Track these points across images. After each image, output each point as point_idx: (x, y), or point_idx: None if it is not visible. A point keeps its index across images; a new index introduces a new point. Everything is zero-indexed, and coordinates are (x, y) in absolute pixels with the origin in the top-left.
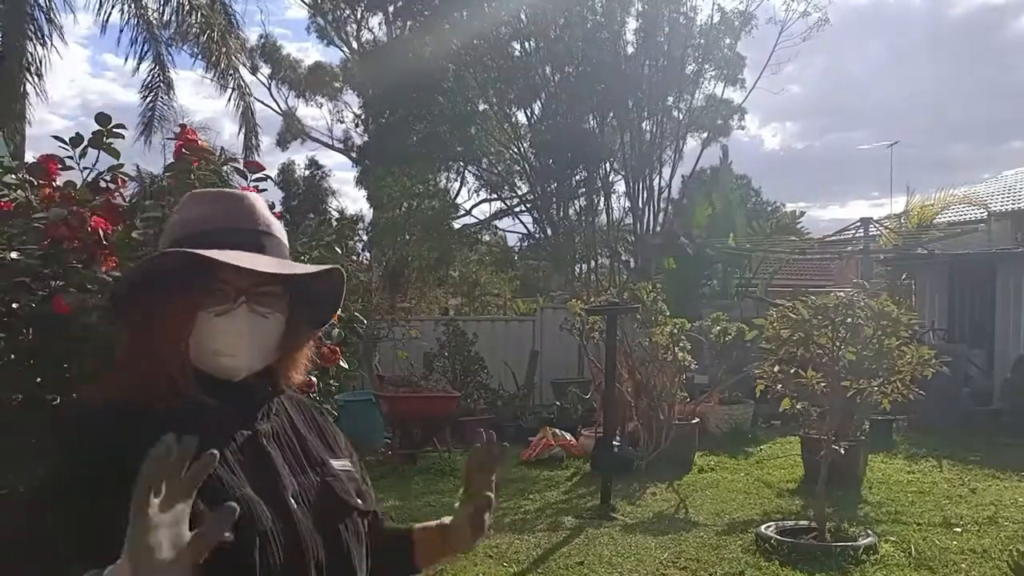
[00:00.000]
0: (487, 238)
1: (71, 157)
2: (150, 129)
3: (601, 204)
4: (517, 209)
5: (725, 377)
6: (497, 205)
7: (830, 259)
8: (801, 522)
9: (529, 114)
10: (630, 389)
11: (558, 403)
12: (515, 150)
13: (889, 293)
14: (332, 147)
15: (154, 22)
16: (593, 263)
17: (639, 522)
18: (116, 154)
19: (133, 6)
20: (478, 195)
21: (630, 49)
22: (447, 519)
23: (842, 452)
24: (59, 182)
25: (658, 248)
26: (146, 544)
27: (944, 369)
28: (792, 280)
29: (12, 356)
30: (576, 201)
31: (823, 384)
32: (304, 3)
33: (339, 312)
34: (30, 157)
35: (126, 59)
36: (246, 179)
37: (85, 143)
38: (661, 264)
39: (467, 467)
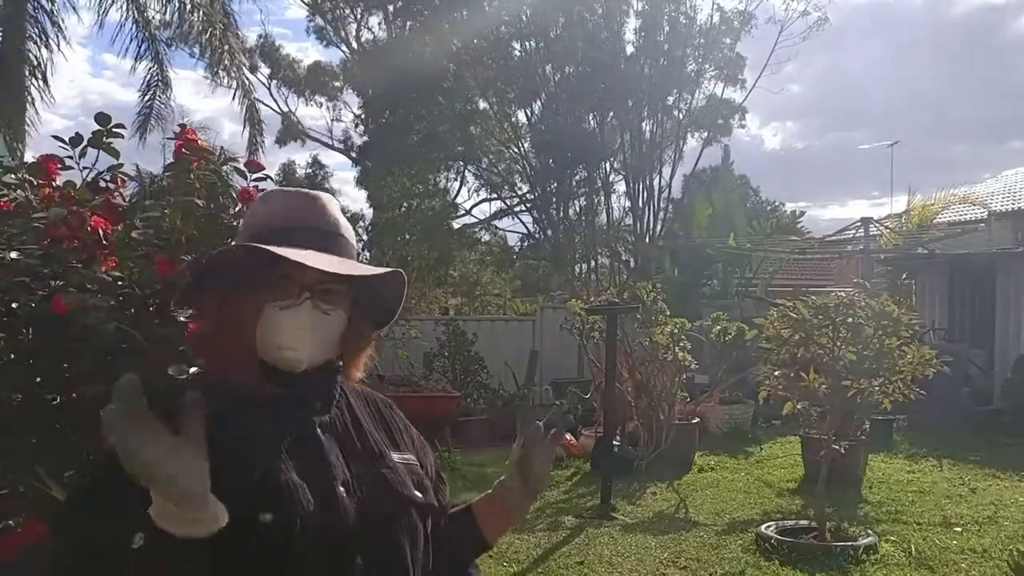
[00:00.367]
0: (487, 238)
1: (71, 157)
2: (146, 128)
3: (601, 204)
4: (517, 209)
5: (725, 377)
6: (497, 205)
7: (830, 259)
8: (801, 522)
9: (529, 114)
10: (630, 389)
11: (558, 403)
12: (515, 150)
13: (889, 293)
14: (332, 147)
15: (152, 20)
16: (593, 263)
17: (639, 522)
18: (116, 154)
19: (131, 4)
20: (478, 195)
21: (630, 49)
22: (498, 488)
23: (842, 452)
24: (59, 182)
25: (659, 249)
26: (163, 472)
27: (944, 369)
28: (792, 280)
29: (12, 356)
30: (576, 201)
31: (824, 384)
32: (303, 3)
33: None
34: (30, 157)
35: (123, 54)
36: (246, 179)
37: (85, 143)
38: (661, 264)
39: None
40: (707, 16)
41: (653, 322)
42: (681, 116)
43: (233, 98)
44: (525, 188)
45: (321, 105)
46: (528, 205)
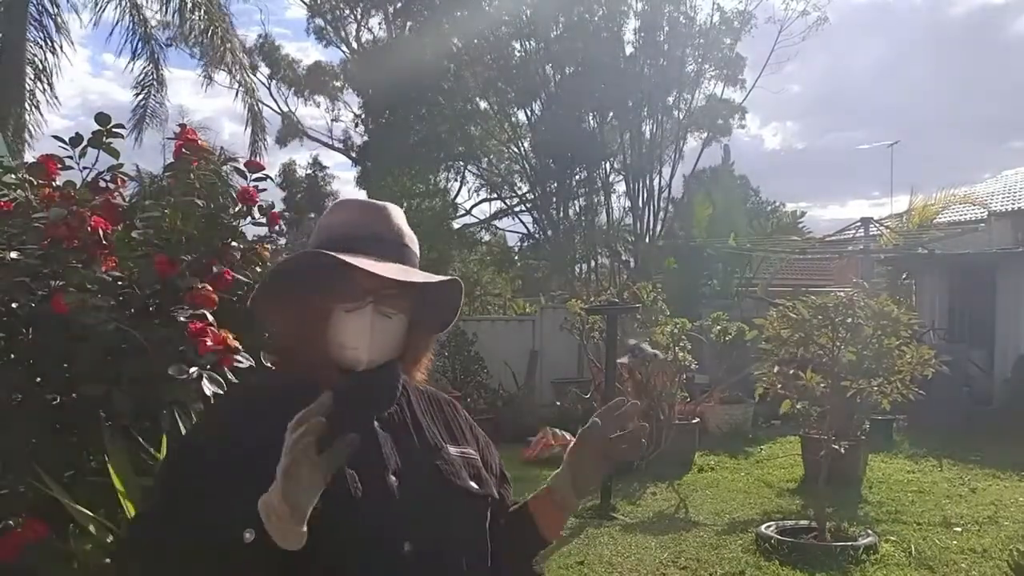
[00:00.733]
0: (487, 238)
1: (71, 157)
2: (141, 127)
3: (601, 204)
4: (517, 209)
5: (725, 377)
6: (497, 205)
7: (830, 259)
8: (801, 522)
9: (529, 114)
10: (630, 389)
11: (558, 403)
12: (515, 150)
13: (889, 293)
14: (332, 147)
15: (149, 19)
16: (593, 263)
17: (639, 522)
18: (116, 154)
19: (127, 4)
20: (478, 195)
21: (630, 49)
22: (550, 483)
23: (842, 452)
24: (59, 182)
25: (659, 249)
26: (293, 475)
27: (944, 369)
28: (792, 280)
29: (12, 356)
30: (576, 201)
31: (823, 384)
32: (303, 3)
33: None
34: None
35: (120, 54)
36: (246, 178)
37: (85, 143)
38: (661, 264)
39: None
40: (707, 16)
41: (653, 322)
42: (681, 116)
43: (236, 96)
44: (525, 188)
45: (319, 105)
46: (528, 205)
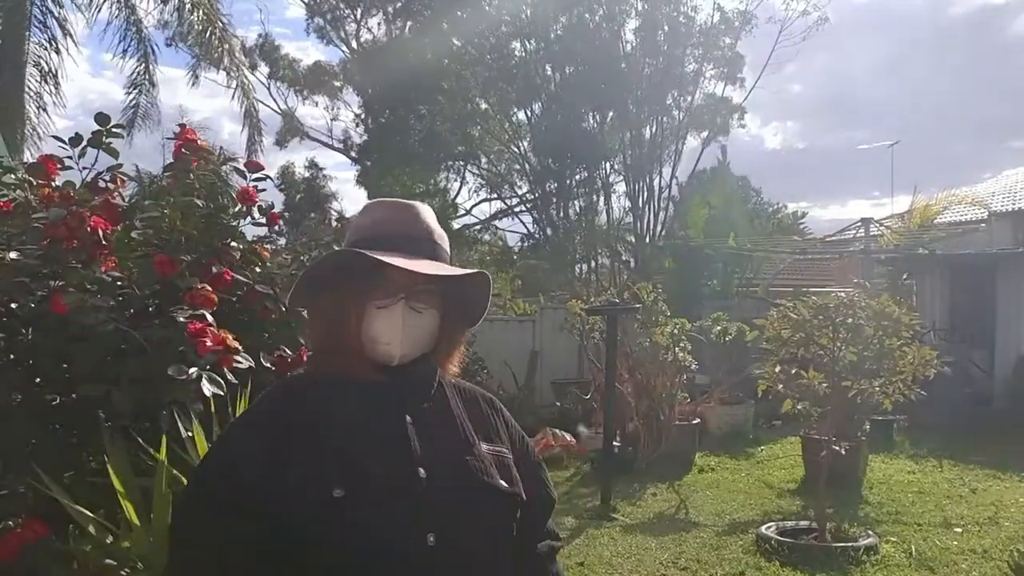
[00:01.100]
0: (487, 238)
1: (70, 157)
2: (132, 126)
3: (601, 204)
4: (517, 209)
5: (725, 377)
6: (497, 205)
7: (831, 259)
8: (801, 522)
9: (529, 114)
10: (630, 389)
11: (558, 403)
12: (515, 150)
13: (890, 293)
14: (332, 147)
15: (142, 19)
16: (593, 263)
17: (639, 522)
18: (115, 154)
19: (122, 2)
20: (478, 195)
21: (630, 49)
22: None
23: (843, 452)
24: (58, 182)
25: (659, 249)
26: None
27: (945, 369)
28: (793, 280)
29: (12, 356)
30: (576, 201)
31: (824, 384)
32: (303, 2)
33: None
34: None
35: (114, 53)
36: (245, 178)
37: (84, 143)
38: (661, 264)
39: None
40: (707, 16)
41: (653, 323)
42: (681, 116)
43: (233, 97)
44: (525, 188)
45: (317, 104)
46: (528, 205)
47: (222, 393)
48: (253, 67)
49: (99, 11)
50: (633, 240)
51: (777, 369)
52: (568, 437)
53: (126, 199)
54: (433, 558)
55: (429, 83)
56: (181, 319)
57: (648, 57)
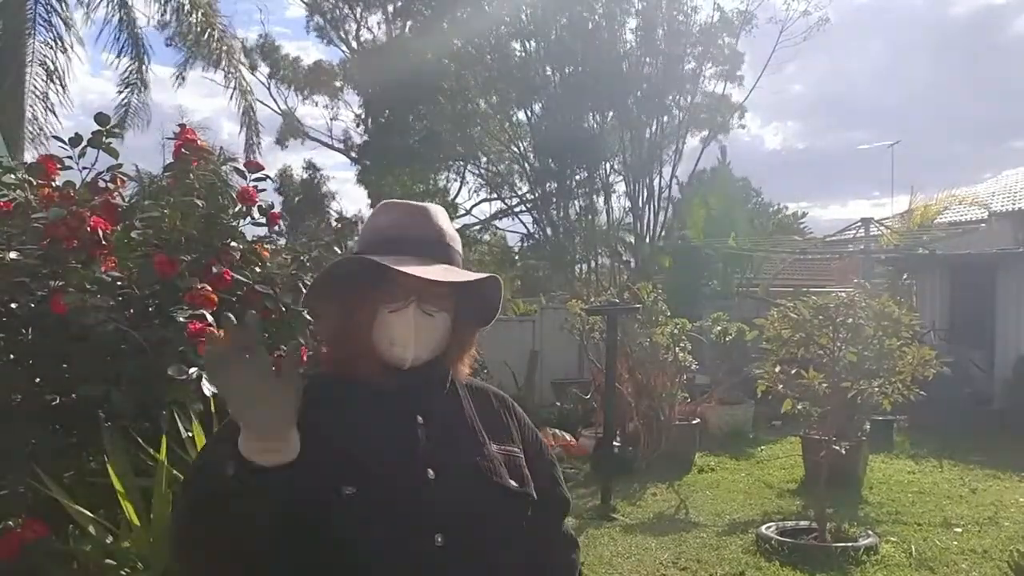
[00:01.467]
0: (487, 238)
1: (70, 157)
2: (123, 125)
3: (601, 204)
4: (517, 209)
5: (726, 377)
6: (497, 205)
7: (831, 259)
8: (801, 522)
9: (529, 114)
10: (630, 389)
11: (558, 403)
12: (515, 150)
13: (890, 293)
14: (331, 147)
15: (136, 19)
16: (593, 263)
17: (639, 522)
18: (115, 154)
19: (117, 2)
20: (478, 195)
21: (630, 48)
22: None
23: (843, 452)
24: (58, 182)
25: (659, 249)
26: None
27: (945, 369)
28: (793, 280)
29: (12, 356)
30: (576, 201)
31: (824, 384)
32: (303, 2)
33: None
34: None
35: (109, 52)
36: (245, 179)
37: (84, 143)
38: (661, 264)
39: None
40: (707, 16)
41: (653, 322)
42: (681, 115)
43: (231, 98)
44: (525, 188)
45: (317, 104)
46: (528, 205)
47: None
48: (253, 67)
49: (95, 10)
50: (633, 240)
51: (777, 369)
52: (568, 437)
53: (126, 199)
54: (441, 558)
55: (429, 83)
56: (181, 319)
57: (648, 56)
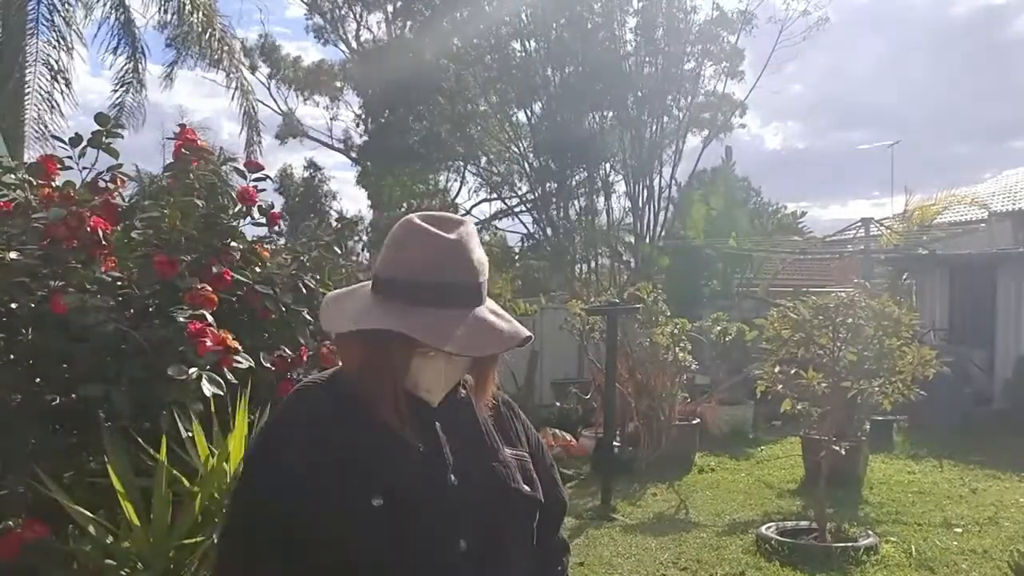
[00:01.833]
0: (487, 238)
1: (70, 157)
2: (117, 124)
3: (601, 204)
4: (517, 209)
5: (726, 377)
6: (497, 205)
7: (831, 259)
8: (801, 523)
9: (529, 114)
10: (630, 389)
11: (558, 403)
12: (515, 150)
13: (890, 293)
14: (331, 147)
15: (134, 19)
16: (593, 263)
17: (639, 523)
18: (115, 154)
19: (115, 2)
20: (478, 195)
21: (629, 48)
22: None
23: (843, 452)
24: (58, 182)
25: (659, 249)
26: None
27: (945, 369)
28: (793, 280)
29: (12, 356)
30: (576, 201)
31: (824, 384)
32: (303, 1)
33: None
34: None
35: (107, 51)
36: (245, 179)
37: (84, 143)
38: (661, 264)
39: None
40: (706, 16)
41: (653, 323)
42: (681, 115)
43: (232, 98)
44: (525, 188)
45: (318, 104)
46: (528, 205)
47: (222, 393)
48: (253, 68)
49: (93, 10)
50: (633, 240)
51: (776, 369)
52: (568, 437)
53: (126, 199)
54: (465, 563)
55: (429, 83)
56: (181, 319)
57: (648, 56)
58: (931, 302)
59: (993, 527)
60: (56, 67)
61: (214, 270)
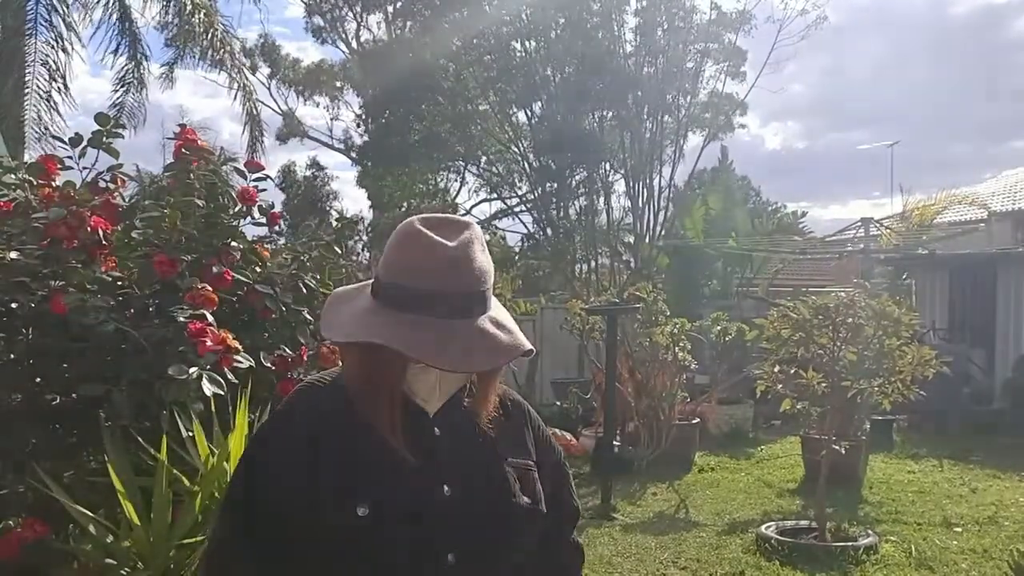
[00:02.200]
0: (487, 238)
1: (71, 157)
2: (117, 123)
3: (601, 204)
4: (517, 209)
5: (726, 377)
6: (497, 205)
7: (831, 259)
8: (801, 522)
9: (529, 114)
10: (630, 389)
11: (558, 403)
12: (515, 150)
13: (890, 293)
14: (332, 147)
15: (135, 18)
16: (593, 263)
17: (639, 522)
18: (115, 154)
19: (115, 3)
20: (478, 195)
21: (629, 48)
22: None
23: (842, 452)
24: (58, 182)
25: (659, 249)
26: None
27: (945, 369)
28: (793, 280)
29: (12, 356)
30: (576, 201)
31: (823, 384)
32: (302, 1)
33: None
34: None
35: (107, 51)
36: (245, 179)
37: (85, 143)
38: (661, 264)
39: None
40: (704, 16)
41: (653, 322)
42: (681, 114)
43: (235, 99)
44: (525, 188)
45: (319, 105)
46: (528, 205)
47: (222, 393)
48: (253, 68)
49: (93, 10)
50: (633, 240)
51: (776, 369)
52: (569, 437)
53: (126, 199)
54: None
55: (429, 83)
56: (181, 319)
57: (648, 54)
58: (931, 302)
59: (993, 527)
60: (54, 67)
61: (214, 270)
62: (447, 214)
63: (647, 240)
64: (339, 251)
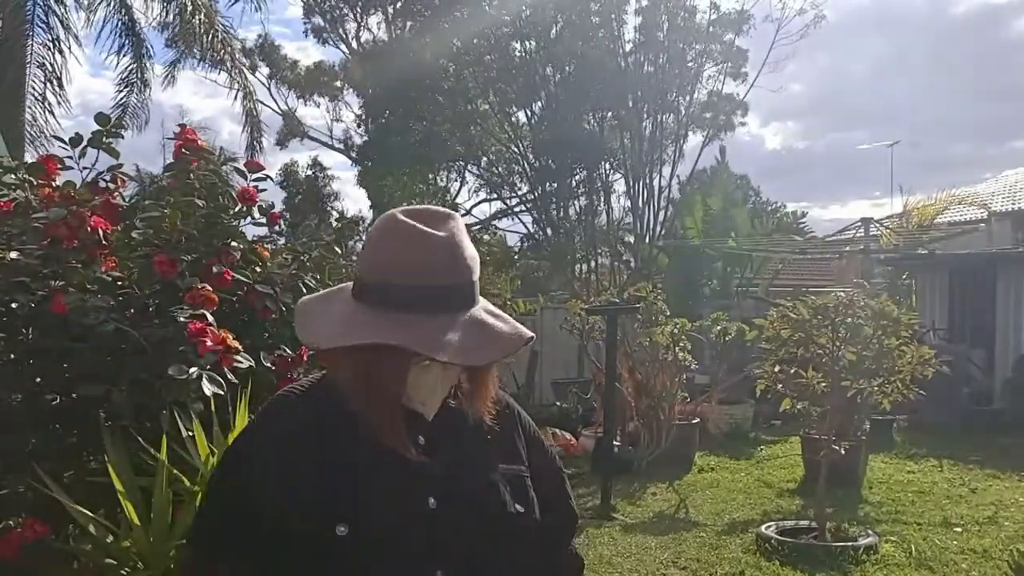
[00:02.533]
0: (487, 238)
1: (71, 157)
2: (120, 124)
3: (601, 204)
4: (517, 209)
5: (726, 377)
6: (497, 205)
7: (831, 259)
8: (801, 522)
9: (529, 114)
10: (630, 389)
11: (558, 403)
12: (515, 150)
13: (889, 293)
14: (332, 147)
15: (137, 19)
16: (593, 263)
17: (639, 522)
18: (116, 154)
19: (117, 4)
20: (478, 195)
21: (629, 47)
22: None
23: (842, 452)
24: (59, 182)
25: (659, 249)
26: None
27: (944, 369)
28: (793, 280)
29: (12, 356)
30: (576, 201)
31: (823, 384)
32: (302, 1)
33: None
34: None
35: (109, 52)
36: (245, 179)
37: (85, 143)
38: (661, 264)
39: None
40: (704, 16)
41: (653, 322)
42: (682, 114)
43: (235, 99)
44: (525, 188)
45: (319, 105)
46: (528, 205)
47: (222, 393)
48: (253, 68)
49: (95, 11)
50: (633, 240)
51: (776, 368)
52: (569, 437)
53: (126, 199)
54: None
55: (429, 83)
56: (181, 319)
57: (649, 54)
58: (930, 302)
59: (993, 527)
60: (50, 69)
61: (214, 270)
62: (425, 205)
63: (647, 240)
64: (339, 251)
